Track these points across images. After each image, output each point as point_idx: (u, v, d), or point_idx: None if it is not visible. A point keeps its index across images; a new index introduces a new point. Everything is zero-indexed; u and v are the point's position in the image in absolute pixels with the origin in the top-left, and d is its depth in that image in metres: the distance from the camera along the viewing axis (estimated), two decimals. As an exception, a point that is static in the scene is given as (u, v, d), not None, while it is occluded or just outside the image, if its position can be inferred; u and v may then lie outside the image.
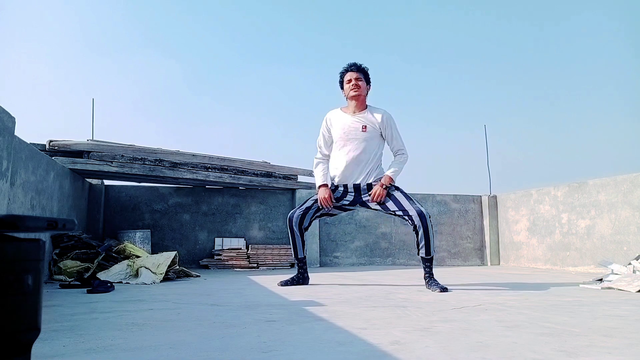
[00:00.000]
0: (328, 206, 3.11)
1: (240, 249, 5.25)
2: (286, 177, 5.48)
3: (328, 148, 3.26)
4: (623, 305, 2.16)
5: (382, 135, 3.15)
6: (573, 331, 1.50)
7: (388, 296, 2.51)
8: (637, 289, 2.75)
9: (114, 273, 3.42)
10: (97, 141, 4.65)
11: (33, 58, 12.87)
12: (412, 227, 2.97)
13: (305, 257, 3.23)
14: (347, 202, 3.16)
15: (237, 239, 5.40)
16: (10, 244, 0.59)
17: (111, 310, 2.01)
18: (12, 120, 2.50)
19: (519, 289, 2.89)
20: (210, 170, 4.94)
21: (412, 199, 3.04)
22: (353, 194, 3.14)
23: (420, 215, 2.92)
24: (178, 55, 14.37)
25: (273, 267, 5.12)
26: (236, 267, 5.05)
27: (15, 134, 2.58)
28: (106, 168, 4.33)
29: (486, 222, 6.20)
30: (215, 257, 5.16)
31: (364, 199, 3.13)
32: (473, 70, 14.08)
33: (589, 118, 13.45)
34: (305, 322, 1.67)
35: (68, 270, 3.45)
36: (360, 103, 3.17)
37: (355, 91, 3.12)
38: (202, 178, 4.84)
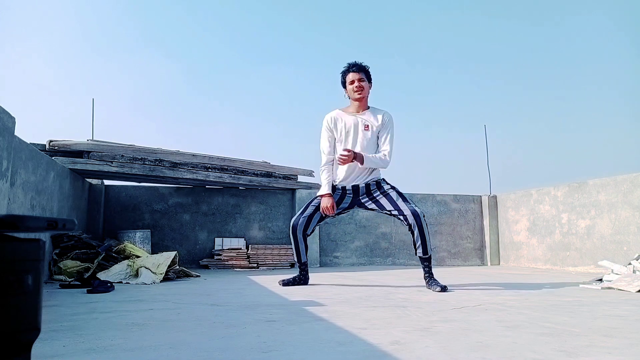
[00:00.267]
0: (330, 215, 3.11)
1: (240, 249, 5.25)
2: (286, 177, 5.48)
3: (333, 150, 3.18)
4: (623, 305, 2.16)
5: (378, 135, 3.14)
6: (573, 331, 1.50)
7: (388, 296, 2.51)
8: (637, 289, 2.75)
9: (114, 273, 3.42)
10: (97, 141, 4.65)
11: (33, 58, 12.87)
12: (407, 226, 2.97)
13: (307, 260, 3.24)
14: (346, 205, 3.15)
15: (237, 239, 5.40)
16: (10, 244, 0.59)
17: (111, 310, 2.01)
18: (12, 120, 2.50)
19: (519, 289, 2.89)
20: (210, 170, 4.94)
21: (407, 199, 3.03)
22: (351, 196, 3.14)
23: (414, 214, 2.92)
24: (178, 55, 14.38)
25: (273, 267, 5.12)
26: (236, 267, 5.05)
27: (15, 134, 2.58)
28: (106, 168, 4.33)
29: (486, 222, 6.20)
30: (215, 257, 5.16)
31: (362, 200, 3.13)
32: (473, 70, 14.08)
33: (589, 118, 13.45)
34: (305, 322, 1.67)
35: (68, 270, 3.45)
36: (363, 104, 3.16)
37: (359, 93, 3.11)
38: (202, 178, 4.84)
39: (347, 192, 3.14)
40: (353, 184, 3.11)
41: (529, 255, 5.55)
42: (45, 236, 3.17)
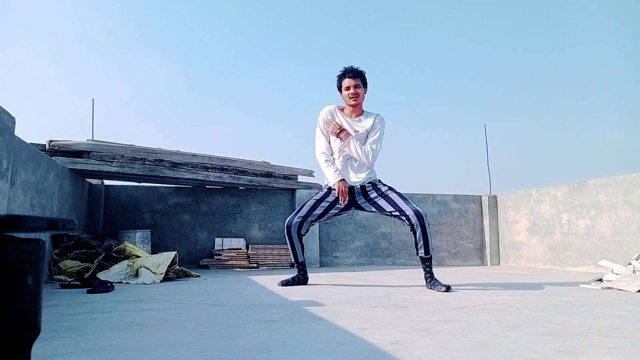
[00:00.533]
0: (345, 200, 3.06)
1: (240, 249, 5.25)
2: (286, 177, 5.48)
3: (329, 148, 3.19)
4: (623, 305, 2.16)
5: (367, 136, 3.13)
6: (573, 331, 1.50)
7: (388, 296, 2.51)
8: (637, 289, 2.75)
9: (114, 273, 3.42)
10: (97, 141, 4.66)
11: (33, 58, 12.87)
12: (410, 227, 2.97)
13: (304, 260, 3.23)
14: (342, 206, 3.13)
15: (237, 239, 5.40)
16: (10, 244, 0.59)
17: (111, 310, 2.01)
18: (12, 120, 2.50)
19: (519, 289, 2.89)
20: (210, 170, 4.94)
21: (407, 199, 3.03)
22: (348, 197, 3.12)
23: (417, 214, 2.92)
24: (178, 55, 14.38)
25: (273, 267, 5.12)
26: (236, 267, 5.05)
27: (15, 134, 2.58)
28: (106, 168, 4.33)
29: (486, 222, 6.20)
30: (215, 257, 5.16)
31: (358, 202, 3.12)
32: (473, 70, 14.08)
33: (589, 118, 13.45)
34: (305, 322, 1.67)
35: (68, 270, 3.45)
36: (358, 109, 3.17)
37: (354, 100, 3.12)
38: (202, 178, 4.84)
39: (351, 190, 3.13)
40: (349, 185, 3.11)
41: (529, 255, 5.55)
42: (45, 236, 3.17)
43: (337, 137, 3.12)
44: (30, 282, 0.60)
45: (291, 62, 14.28)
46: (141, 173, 4.51)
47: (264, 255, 5.20)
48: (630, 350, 1.24)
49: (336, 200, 3.14)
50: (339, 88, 3.20)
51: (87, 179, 4.94)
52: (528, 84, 13.72)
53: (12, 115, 2.49)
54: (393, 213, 3.02)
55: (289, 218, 3.18)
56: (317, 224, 5.52)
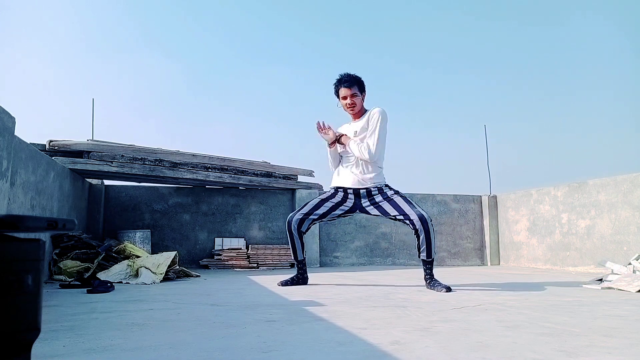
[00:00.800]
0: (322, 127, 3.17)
1: (240, 249, 5.25)
2: (286, 177, 5.48)
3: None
4: (623, 305, 2.16)
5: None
6: (573, 331, 1.50)
7: (388, 296, 2.51)
8: (637, 289, 2.75)
9: (114, 273, 3.42)
10: (97, 141, 4.66)
11: (33, 58, 12.87)
12: (414, 231, 2.96)
13: (304, 258, 3.23)
14: (347, 208, 3.12)
15: (237, 239, 5.40)
16: (10, 244, 0.59)
17: (111, 310, 2.01)
18: (12, 120, 2.50)
19: (519, 289, 2.89)
20: (210, 170, 4.94)
21: (412, 203, 3.01)
22: (352, 200, 3.12)
23: (422, 219, 2.91)
24: (178, 55, 14.38)
25: (273, 267, 5.12)
26: (236, 267, 5.05)
27: (15, 134, 2.58)
28: (106, 168, 4.33)
29: (486, 222, 6.20)
30: (215, 257, 5.16)
31: (363, 205, 3.10)
32: (473, 71, 14.08)
33: (589, 118, 13.45)
34: (305, 322, 1.67)
35: (68, 270, 3.45)
36: (357, 114, 3.15)
37: (351, 110, 3.12)
38: (202, 178, 4.84)
39: (349, 194, 3.12)
40: (354, 187, 3.09)
41: (529, 255, 5.55)
42: (45, 236, 3.17)
43: (338, 144, 3.14)
44: (30, 282, 0.60)
45: (291, 62, 14.28)
46: (141, 173, 4.51)
47: (264, 255, 5.20)
48: (630, 350, 1.24)
49: (341, 202, 3.13)
50: (337, 95, 3.17)
51: (87, 179, 4.94)
52: (528, 84, 13.72)
53: (12, 115, 2.49)
54: (397, 217, 2.99)
55: (291, 214, 3.20)
56: (318, 224, 5.53)
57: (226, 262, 5.09)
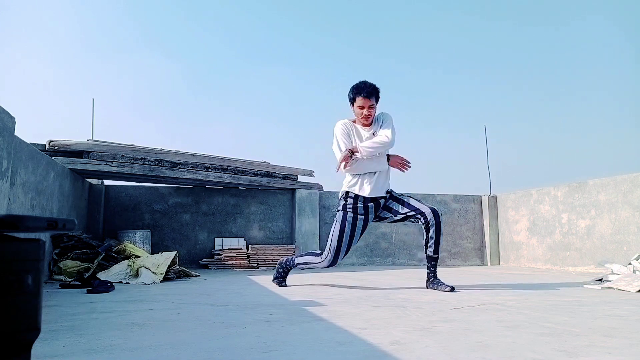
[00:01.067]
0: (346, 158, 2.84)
1: (240, 249, 5.25)
2: (286, 177, 5.48)
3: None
4: (623, 305, 2.16)
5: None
6: (573, 331, 1.50)
7: (388, 296, 2.51)
8: (637, 289, 2.75)
9: (114, 273, 3.42)
10: (97, 141, 4.66)
11: (33, 58, 12.87)
12: (425, 225, 2.91)
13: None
14: (370, 221, 3.01)
15: (237, 239, 5.40)
16: (10, 244, 0.59)
17: (111, 310, 2.01)
18: (12, 120, 2.50)
19: (519, 289, 2.89)
20: (210, 170, 4.94)
21: (421, 201, 3.02)
22: (373, 212, 3.01)
23: (434, 212, 2.91)
24: (178, 55, 14.38)
25: (273, 267, 5.11)
26: (236, 267, 5.05)
27: (15, 134, 2.58)
28: (106, 168, 4.33)
29: (486, 222, 6.20)
30: (215, 257, 5.16)
31: (378, 213, 3.03)
32: (473, 71, 14.08)
33: (589, 118, 13.46)
34: (305, 322, 1.67)
35: (68, 270, 3.45)
36: (370, 122, 3.04)
37: (366, 120, 2.98)
38: (202, 178, 4.84)
39: (369, 205, 2.98)
40: (379, 195, 2.98)
41: (529, 255, 5.55)
42: (45, 236, 3.17)
43: (353, 156, 2.92)
44: (30, 282, 0.60)
45: (291, 62, 14.28)
46: (141, 173, 4.51)
47: (264, 255, 5.20)
48: (630, 350, 1.24)
49: (367, 218, 2.97)
50: (351, 101, 3.00)
51: (87, 179, 4.94)
52: (528, 85, 13.72)
53: (12, 115, 2.49)
54: (408, 214, 2.95)
55: (329, 255, 2.91)
56: (317, 222, 5.53)
57: (226, 262, 5.09)
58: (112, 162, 4.38)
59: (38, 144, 4.12)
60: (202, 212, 5.45)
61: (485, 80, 14.02)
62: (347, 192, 2.98)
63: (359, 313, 1.90)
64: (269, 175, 5.34)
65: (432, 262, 2.94)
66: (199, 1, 13.78)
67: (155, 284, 3.26)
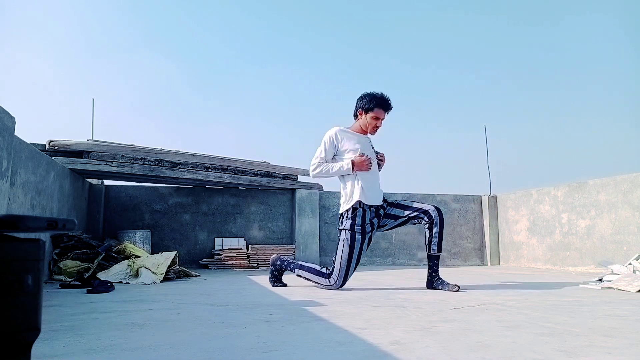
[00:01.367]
0: (369, 161, 2.91)
1: (240, 249, 5.25)
2: (286, 177, 5.48)
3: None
4: (623, 305, 2.16)
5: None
6: (573, 331, 1.50)
7: (388, 296, 2.51)
8: (637, 289, 2.75)
9: (114, 273, 3.42)
10: (97, 141, 4.66)
11: (33, 58, 12.87)
12: (429, 223, 2.89)
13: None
14: (376, 223, 2.98)
15: (237, 239, 5.40)
16: (10, 244, 0.59)
17: (111, 310, 2.01)
18: (12, 120, 2.50)
19: (519, 289, 2.89)
20: (210, 170, 4.94)
21: (420, 201, 3.03)
22: (377, 220, 2.99)
23: (437, 209, 2.90)
24: (178, 55, 14.39)
25: (273, 267, 5.12)
26: (236, 267, 5.05)
27: (15, 134, 2.58)
28: (106, 168, 4.33)
29: (486, 222, 6.20)
30: (215, 257, 5.16)
31: (382, 223, 3.01)
32: (473, 70, 14.08)
33: (589, 118, 13.46)
34: (305, 322, 1.67)
35: (68, 270, 3.45)
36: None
37: (374, 132, 3.02)
38: (202, 178, 4.84)
39: (377, 211, 2.98)
40: (378, 204, 2.98)
41: (529, 255, 5.55)
42: (45, 236, 3.17)
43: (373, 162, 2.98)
44: (30, 282, 0.60)
45: (291, 62, 14.29)
46: (141, 173, 4.51)
47: (264, 255, 5.20)
48: (630, 350, 1.24)
49: (372, 234, 2.95)
50: (367, 110, 2.98)
51: (87, 179, 4.94)
52: (528, 84, 13.72)
53: (12, 115, 2.49)
54: (411, 215, 2.93)
55: (339, 279, 2.85)
56: (317, 222, 5.53)
57: (226, 262, 5.09)
58: (112, 162, 4.38)
59: (38, 144, 4.12)
60: (202, 212, 5.45)
61: (485, 79, 14.02)
62: (352, 207, 2.91)
63: (359, 313, 1.90)
64: (269, 175, 5.34)
65: (435, 261, 2.93)
66: (199, 1, 13.78)
67: (155, 284, 3.26)
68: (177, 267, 3.73)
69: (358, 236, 2.87)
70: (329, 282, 2.87)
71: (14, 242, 0.59)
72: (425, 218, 2.91)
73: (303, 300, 2.36)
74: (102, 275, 3.35)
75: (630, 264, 3.46)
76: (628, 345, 1.29)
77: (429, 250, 2.93)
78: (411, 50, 14.15)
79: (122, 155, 4.47)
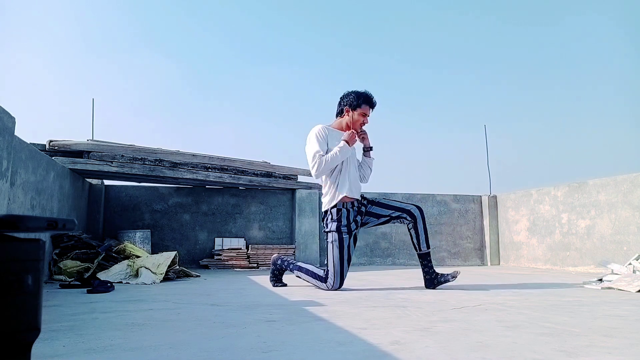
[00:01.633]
0: (361, 129, 3.08)
1: (240, 249, 5.25)
2: (286, 177, 5.48)
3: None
4: (623, 305, 2.16)
5: None
6: (573, 331, 1.50)
7: (388, 296, 2.51)
8: (637, 289, 2.75)
9: (114, 273, 3.42)
10: (97, 141, 4.66)
11: (33, 58, 12.87)
12: (411, 222, 2.93)
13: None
14: (359, 221, 3.01)
15: (237, 239, 5.40)
16: (10, 244, 0.59)
17: (111, 310, 2.01)
18: (12, 120, 2.50)
19: (519, 289, 2.89)
20: (210, 170, 4.94)
21: (400, 201, 3.10)
22: (360, 218, 3.02)
23: (419, 207, 2.98)
24: (178, 55, 14.39)
25: (273, 267, 5.11)
26: (236, 267, 5.05)
27: (15, 134, 2.58)
28: (106, 168, 4.33)
29: (486, 222, 6.20)
30: (215, 257, 5.16)
31: (364, 221, 3.04)
32: (473, 70, 14.08)
33: (589, 118, 13.46)
34: (305, 322, 1.67)
35: (68, 270, 3.45)
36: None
37: (361, 127, 3.09)
38: (202, 178, 4.84)
39: (358, 207, 3.01)
40: (358, 198, 3.01)
41: (529, 255, 5.55)
42: (45, 236, 3.17)
43: (368, 152, 3.19)
44: (30, 282, 0.60)
45: (291, 62, 14.29)
46: (141, 173, 4.51)
47: (264, 255, 5.20)
48: (630, 350, 1.24)
49: (356, 231, 2.99)
50: (354, 107, 3.03)
51: (87, 179, 4.94)
52: (528, 84, 13.73)
53: (12, 115, 2.49)
54: (393, 215, 2.98)
55: (336, 282, 2.84)
56: (317, 222, 5.53)
57: (226, 262, 5.09)
58: (112, 162, 4.38)
59: (38, 144, 4.12)
60: (202, 212, 5.45)
61: (485, 79, 14.02)
62: (337, 208, 2.92)
63: (359, 313, 1.90)
64: (269, 175, 5.34)
65: (428, 258, 2.95)
66: (199, 1, 13.78)
67: (155, 284, 3.26)
68: (177, 267, 3.73)
69: (345, 236, 2.90)
70: (327, 287, 2.88)
71: (14, 242, 0.59)
72: (408, 217, 2.96)
73: (303, 300, 2.36)
74: (102, 275, 3.35)
75: (630, 264, 3.46)
76: (628, 345, 1.29)
77: (419, 249, 2.95)
78: (411, 50, 14.16)
79: (122, 155, 4.47)
